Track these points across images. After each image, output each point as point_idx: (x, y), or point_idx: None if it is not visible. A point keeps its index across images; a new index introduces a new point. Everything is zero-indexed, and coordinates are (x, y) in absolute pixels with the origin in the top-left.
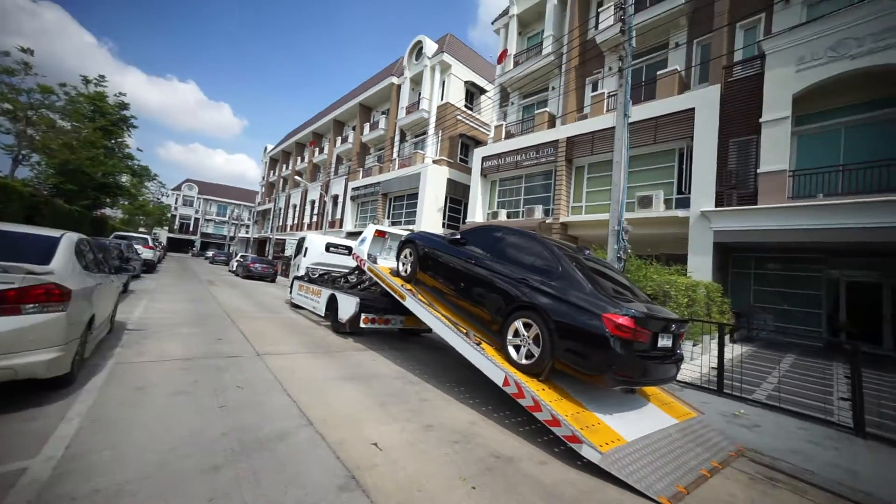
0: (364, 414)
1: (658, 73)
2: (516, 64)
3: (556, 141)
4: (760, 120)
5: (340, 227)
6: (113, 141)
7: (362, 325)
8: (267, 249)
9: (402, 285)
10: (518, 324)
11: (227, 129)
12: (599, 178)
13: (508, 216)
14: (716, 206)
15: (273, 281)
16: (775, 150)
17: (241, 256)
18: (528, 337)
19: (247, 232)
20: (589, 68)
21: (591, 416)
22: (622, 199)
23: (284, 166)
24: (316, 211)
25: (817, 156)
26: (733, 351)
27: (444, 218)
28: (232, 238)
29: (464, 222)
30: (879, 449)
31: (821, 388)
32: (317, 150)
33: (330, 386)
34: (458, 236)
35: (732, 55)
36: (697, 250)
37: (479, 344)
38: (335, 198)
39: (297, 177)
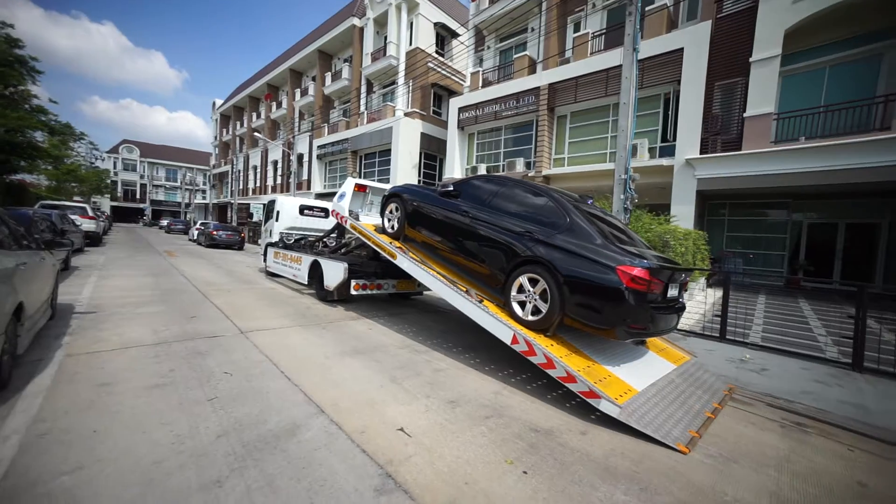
0: (379, 393)
1: (646, 9)
2: (492, 2)
3: (538, 88)
4: (751, 59)
5: (308, 188)
6: (11, 89)
7: (353, 291)
8: (230, 215)
9: (390, 243)
10: (523, 279)
11: (164, 83)
12: (583, 128)
13: (488, 171)
14: (700, 153)
15: (241, 248)
16: (763, 92)
17: (202, 224)
18: (535, 292)
19: (204, 197)
20: (571, 6)
21: (602, 369)
22: (629, 144)
23: (238, 124)
24: (280, 172)
25: (800, 97)
26: (714, 296)
27: (419, 175)
28: (188, 205)
29: (440, 179)
30: (878, 382)
31: (801, 325)
32: (274, 104)
33: (332, 363)
34: (451, 188)
35: None
36: (680, 199)
37: (481, 301)
38: (300, 157)
39: (256, 133)
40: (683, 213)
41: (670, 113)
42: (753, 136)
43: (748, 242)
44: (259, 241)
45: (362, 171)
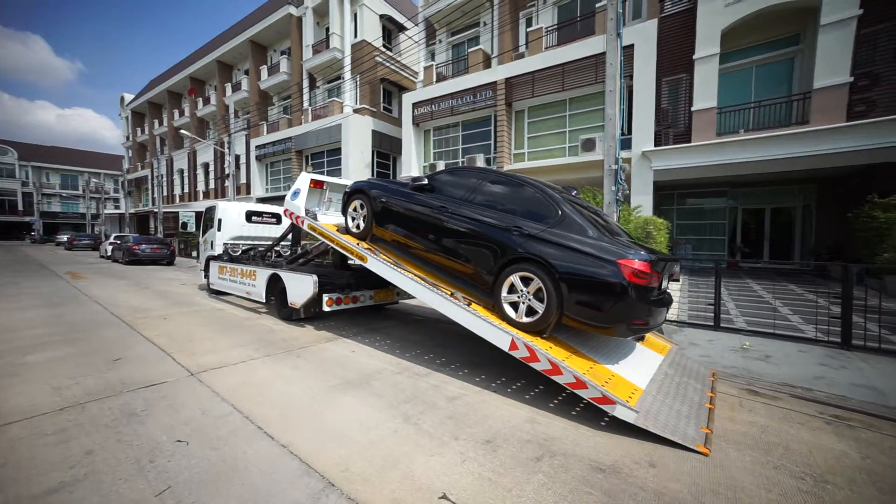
0: (396, 442)
1: (597, 6)
2: None
3: (495, 83)
4: (694, 57)
5: (248, 192)
6: None
7: (326, 307)
8: (154, 226)
9: (357, 244)
10: (514, 278)
11: (49, 73)
12: (541, 122)
13: (447, 167)
14: (654, 146)
15: (170, 263)
16: (706, 88)
17: (118, 237)
18: (529, 292)
19: (117, 207)
20: (522, 1)
21: (604, 369)
22: (618, 133)
23: (156, 122)
24: (214, 175)
25: (734, 93)
26: (679, 285)
27: (372, 174)
28: (96, 216)
29: (394, 178)
30: (871, 359)
31: (765, 306)
32: (200, 100)
33: (323, 404)
34: (425, 181)
35: None
36: (640, 190)
37: (469, 305)
38: (237, 158)
39: (182, 132)
40: (644, 204)
41: (624, 107)
42: (701, 129)
43: (695, 229)
44: (194, 255)
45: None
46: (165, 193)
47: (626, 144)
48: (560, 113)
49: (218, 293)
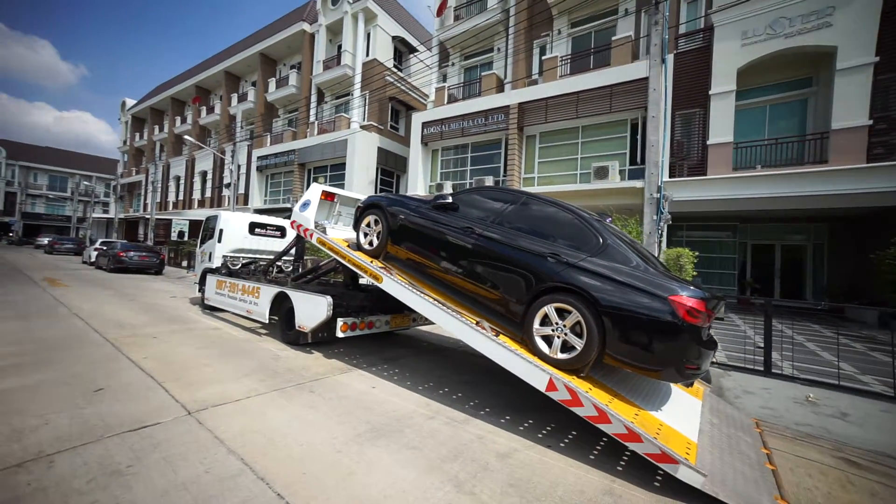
0: None
1: (612, 38)
2: (457, 18)
3: (507, 107)
4: (710, 92)
5: (246, 203)
6: None
7: (340, 333)
8: (145, 233)
9: (370, 262)
10: (549, 309)
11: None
12: (553, 148)
13: (454, 188)
14: (669, 177)
15: (158, 273)
16: (722, 123)
17: (104, 243)
18: (565, 326)
19: (106, 211)
20: (537, 31)
21: (651, 418)
22: (662, 161)
23: (157, 128)
24: (212, 184)
25: (747, 130)
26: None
27: (375, 190)
28: (82, 219)
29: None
30: None
31: (804, 350)
32: (204, 108)
33: (350, 458)
34: (449, 200)
35: (677, 28)
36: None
37: (497, 336)
38: (238, 168)
39: (187, 138)
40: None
41: (638, 137)
42: (717, 163)
43: (703, 262)
44: (184, 264)
45: (310, 185)
46: (159, 200)
47: (636, 174)
48: (573, 140)
49: (212, 309)
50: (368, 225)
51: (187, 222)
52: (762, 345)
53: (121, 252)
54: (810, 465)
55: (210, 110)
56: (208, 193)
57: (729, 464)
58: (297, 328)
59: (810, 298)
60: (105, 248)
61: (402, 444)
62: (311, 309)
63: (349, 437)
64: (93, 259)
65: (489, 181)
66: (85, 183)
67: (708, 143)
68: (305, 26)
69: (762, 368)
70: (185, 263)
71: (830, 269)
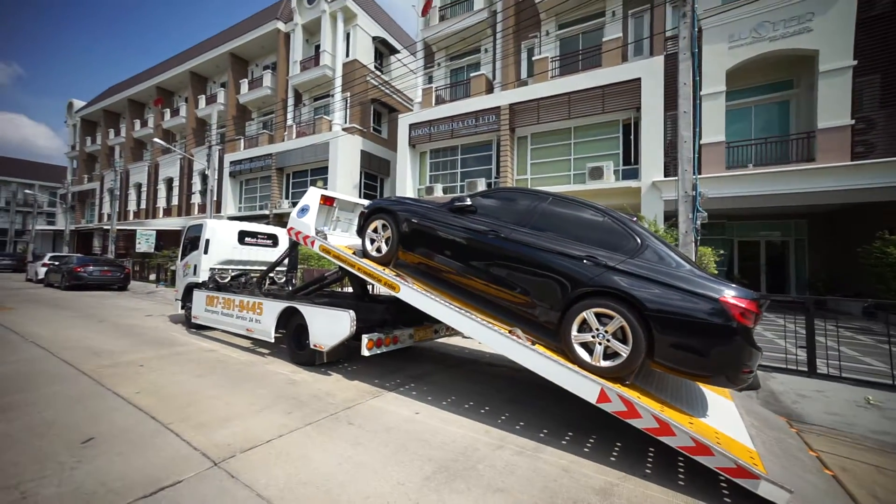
0: None
1: (604, 40)
2: (442, 18)
3: (498, 108)
4: (701, 93)
5: (219, 210)
6: None
7: (366, 351)
8: (104, 245)
9: (383, 270)
10: (588, 315)
11: None
12: (545, 149)
13: (445, 191)
14: (664, 176)
15: (123, 289)
16: (714, 123)
17: (55, 258)
18: (607, 332)
19: (50, 223)
20: (524, 33)
21: (705, 426)
22: (694, 157)
23: (112, 132)
24: (178, 191)
25: (735, 130)
26: None
27: (360, 194)
28: (21, 232)
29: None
30: None
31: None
32: (168, 111)
33: None
34: (468, 202)
35: (665, 30)
36: (649, 219)
37: (533, 345)
38: (208, 174)
39: (157, 141)
40: None
41: (631, 138)
42: (710, 162)
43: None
44: (152, 278)
45: (290, 190)
46: (120, 210)
47: (630, 174)
48: (565, 141)
49: (199, 328)
50: (375, 230)
51: (154, 232)
52: (778, 342)
53: (78, 267)
54: (867, 468)
55: (175, 113)
56: (175, 201)
57: (793, 472)
58: (311, 347)
59: (793, 292)
60: (57, 263)
61: (484, 487)
62: (329, 325)
63: (418, 481)
64: (40, 276)
65: (481, 183)
66: (26, 191)
67: (701, 142)
68: (280, 25)
69: (805, 369)
70: (152, 277)
71: (811, 264)
